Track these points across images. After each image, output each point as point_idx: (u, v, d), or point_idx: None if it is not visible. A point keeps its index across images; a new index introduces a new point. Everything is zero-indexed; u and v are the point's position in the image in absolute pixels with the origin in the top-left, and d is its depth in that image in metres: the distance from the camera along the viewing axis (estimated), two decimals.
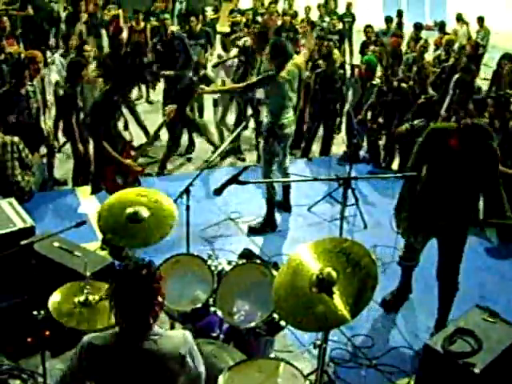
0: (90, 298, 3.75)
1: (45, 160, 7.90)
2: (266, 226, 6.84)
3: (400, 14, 16.18)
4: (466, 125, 4.47)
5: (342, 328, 5.11)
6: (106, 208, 4.05)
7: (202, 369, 2.98)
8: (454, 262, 4.91)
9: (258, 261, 4.37)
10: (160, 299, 2.79)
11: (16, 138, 6.84)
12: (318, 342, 3.69)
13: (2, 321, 4.71)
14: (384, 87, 8.67)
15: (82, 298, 3.75)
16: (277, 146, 6.62)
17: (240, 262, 4.18)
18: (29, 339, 4.64)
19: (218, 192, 4.15)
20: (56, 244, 4.90)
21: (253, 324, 3.81)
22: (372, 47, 11.41)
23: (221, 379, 3.41)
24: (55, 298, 3.83)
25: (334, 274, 3.32)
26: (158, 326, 2.87)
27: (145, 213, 3.90)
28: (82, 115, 7.56)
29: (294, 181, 5.89)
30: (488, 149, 4.47)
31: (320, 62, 9.44)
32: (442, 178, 4.66)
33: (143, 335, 2.75)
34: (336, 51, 9.27)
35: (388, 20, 14.22)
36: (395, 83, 8.68)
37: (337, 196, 7.40)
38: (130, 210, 3.89)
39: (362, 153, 9.33)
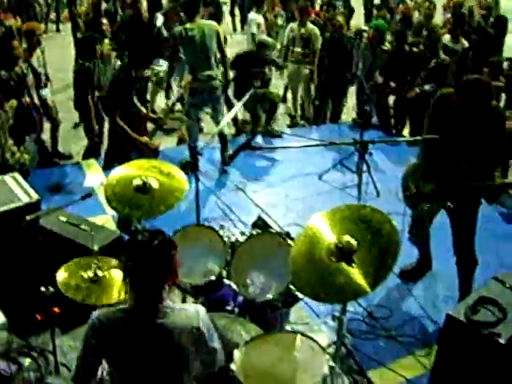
0: (99, 273, 3.61)
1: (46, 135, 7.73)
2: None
3: None
4: (466, 80, 4.28)
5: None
6: (116, 177, 3.88)
7: (217, 344, 2.84)
8: (466, 234, 4.72)
9: (273, 230, 4.19)
10: (175, 268, 2.67)
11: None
12: (337, 314, 3.55)
13: (10, 298, 4.61)
14: (395, 51, 8.44)
15: (90, 274, 3.62)
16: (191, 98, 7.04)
17: (254, 233, 4.01)
18: (38, 316, 4.53)
19: (230, 159, 3.98)
20: (63, 218, 4.76)
21: (269, 296, 3.67)
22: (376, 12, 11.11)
23: (237, 354, 3.28)
24: (63, 273, 3.70)
25: (353, 241, 3.18)
26: (170, 300, 2.74)
27: (154, 184, 3.73)
28: (96, 92, 7.43)
29: (310, 145, 5.74)
30: (489, 106, 4.26)
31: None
32: (451, 141, 4.44)
33: (155, 309, 2.62)
34: (339, 17, 8.99)
35: None
36: (407, 48, 8.47)
37: (348, 163, 7.25)
38: (138, 181, 3.72)
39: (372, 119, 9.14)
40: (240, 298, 3.83)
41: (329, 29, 9.04)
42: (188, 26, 6.76)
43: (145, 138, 5.66)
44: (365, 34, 9.71)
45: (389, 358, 4.45)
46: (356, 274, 3.10)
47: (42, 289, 3.97)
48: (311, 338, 3.44)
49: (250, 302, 3.77)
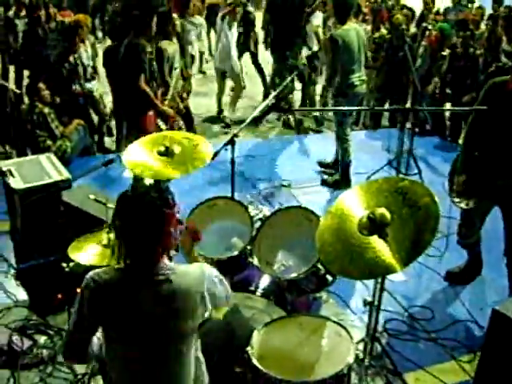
0: (111, 237, 3.39)
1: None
2: (340, 183, 6.74)
3: None
4: None
5: (399, 298, 4.64)
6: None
7: (219, 286, 2.52)
8: None
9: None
10: (171, 229, 2.36)
11: (46, 109, 6.74)
12: (369, 299, 3.23)
13: (36, 277, 4.51)
14: (459, 51, 8.11)
15: (104, 241, 3.41)
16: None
17: (283, 207, 3.72)
18: (59, 296, 4.38)
19: (259, 119, 3.74)
20: (92, 197, 4.61)
21: (294, 275, 3.37)
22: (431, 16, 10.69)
23: (255, 336, 3.01)
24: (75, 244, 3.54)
25: (387, 214, 2.87)
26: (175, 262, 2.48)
27: (176, 149, 3.48)
28: None
29: (344, 109, 5.65)
30: None
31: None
32: (501, 131, 4.12)
33: (151, 269, 2.35)
34: (399, 15, 8.67)
35: None
36: (471, 49, 8.09)
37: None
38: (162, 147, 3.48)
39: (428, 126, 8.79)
40: (266, 280, 3.55)
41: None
42: (345, 27, 6.31)
43: (165, 107, 5.57)
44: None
45: (427, 361, 4.06)
46: (389, 248, 2.78)
47: (63, 264, 3.81)
48: (339, 324, 3.14)
49: (276, 283, 3.48)
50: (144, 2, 6.08)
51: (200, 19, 9.89)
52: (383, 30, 9.07)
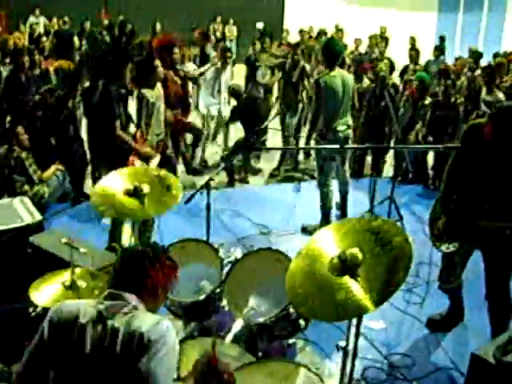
0: (78, 283, 3.27)
1: None
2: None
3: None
4: (501, 108, 3.92)
5: (378, 345, 4.51)
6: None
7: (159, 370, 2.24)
8: (501, 276, 4.24)
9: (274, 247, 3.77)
10: (152, 287, 2.43)
11: (23, 154, 6.64)
12: (342, 344, 3.10)
13: (2, 324, 4.33)
14: (441, 100, 8.17)
15: (67, 283, 3.28)
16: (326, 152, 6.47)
17: (253, 250, 3.63)
18: (26, 343, 4.22)
19: (227, 158, 3.69)
20: (63, 240, 4.50)
21: (263, 319, 3.24)
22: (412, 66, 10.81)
23: None
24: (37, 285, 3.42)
25: (358, 254, 2.78)
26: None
27: (146, 189, 3.41)
28: None
29: (312, 148, 5.66)
30: None
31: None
32: (480, 173, 4.07)
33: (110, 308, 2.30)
34: (382, 65, 8.75)
35: (437, 48, 13.45)
36: (452, 99, 8.14)
37: (379, 212, 6.84)
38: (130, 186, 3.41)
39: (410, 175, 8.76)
40: (237, 325, 3.41)
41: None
42: (332, 73, 6.36)
43: (146, 149, 5.54)
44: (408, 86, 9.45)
45: None
46: (361, 289, 2.68)
47: (30, 309, 3.70)
48: (312, 371, 3.01)
49: (248, 328, 3.34)
50: (119, 51, 6.11)
51: (191, 66, 9.90)
52: (366, 81, 9.14)
